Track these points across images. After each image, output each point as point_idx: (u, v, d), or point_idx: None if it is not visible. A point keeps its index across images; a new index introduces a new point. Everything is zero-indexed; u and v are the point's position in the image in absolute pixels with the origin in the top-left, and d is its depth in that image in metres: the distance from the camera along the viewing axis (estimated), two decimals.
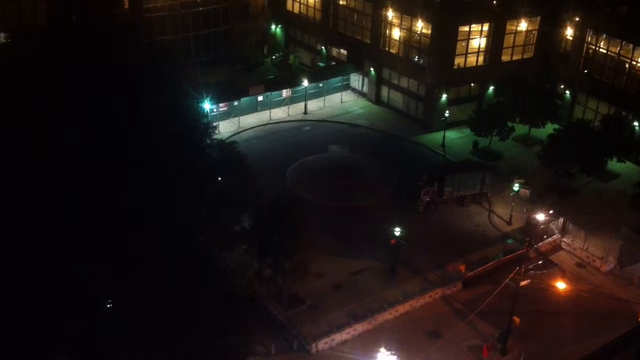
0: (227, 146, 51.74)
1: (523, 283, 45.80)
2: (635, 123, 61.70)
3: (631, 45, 64.24)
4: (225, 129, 67.53)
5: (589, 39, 68.13)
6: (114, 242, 30.86)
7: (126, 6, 73.57)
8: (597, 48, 67.63)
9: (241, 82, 73.81)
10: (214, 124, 57.24)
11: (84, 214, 30.37)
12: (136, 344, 30.11)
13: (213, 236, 37.74)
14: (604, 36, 66.82)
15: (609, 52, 66.56)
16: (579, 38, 68.97)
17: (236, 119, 70.61)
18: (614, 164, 61.09)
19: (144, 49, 39.05)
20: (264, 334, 41.53)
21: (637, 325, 43.68)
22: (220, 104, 69.44)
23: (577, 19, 69.01)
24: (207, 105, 63.15)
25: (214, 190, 41.82)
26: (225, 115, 70.11)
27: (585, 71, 68.35)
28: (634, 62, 64.27)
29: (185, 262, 31.52)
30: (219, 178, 46.58)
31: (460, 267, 50.24)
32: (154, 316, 30.33)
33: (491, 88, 70.63)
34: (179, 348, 30.60)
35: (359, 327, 44.89)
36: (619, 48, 65.53)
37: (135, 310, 30.82)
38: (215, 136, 49.92)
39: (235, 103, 70.78)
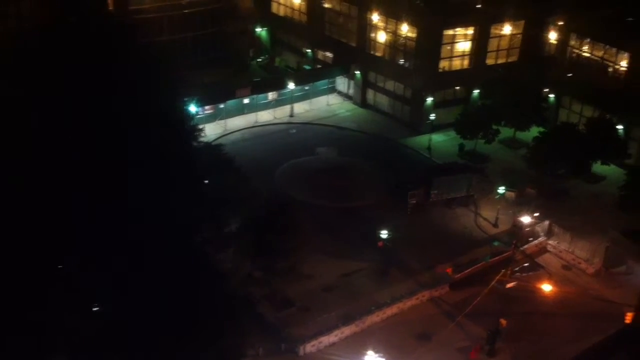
0: (214, 148, 51.68)
1: (510, 285, 46.16)
2: (619, 126, 62.28)
3: (614, 49, 64.94)
4: (211, 131, 67.23)
5: (573, 42, 68.78)
6: (111, 240, 30.63)
7: (111, 7, 72.98)
8: (581, 51, 68.29)
9: (227, 84, 73.59)
10: (200, 126, 57.18)
11: (79, 213, 30.12)
12: (134, 344, 29.92)
13: (209, 236, 37.60)
14: (588, 40, 67.48)
15: (592, 56, 67.22)
16: (563, 42, 69.63)
17: (222, 121, 70.39)
18: (598, 167, 61.68)
19: (130, 50, 38.83)
20: (253, 335, 41.36)
21: (625, 327, 44.03)
22: (206, 107, 69.17)
23: (561, 22, 69.64)
24: (192, 108, 63.00)
25: (209, 190, 41.71)
26: (211, 118, 69.87)
27: (570, 74, 68.98)
28: (617, 66, 64.97)
29: (183, 262, 31.38)
30: (206, 181, 46.43)
31: (448, 270, 50.48)
32: (151, 316, 30.17)
33: (476, 91, 71.03)
34: (177, 348, 30.46)
35: (347, 330, 44.91)
36: (602, 52, 66.23)
37: (132, 310, 30.62)
38: (201, 139, 49.82)
39: (222, 105, 70.59)
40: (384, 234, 49.80)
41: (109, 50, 33.57)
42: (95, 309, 33.14)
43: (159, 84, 35.15)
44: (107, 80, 32.24)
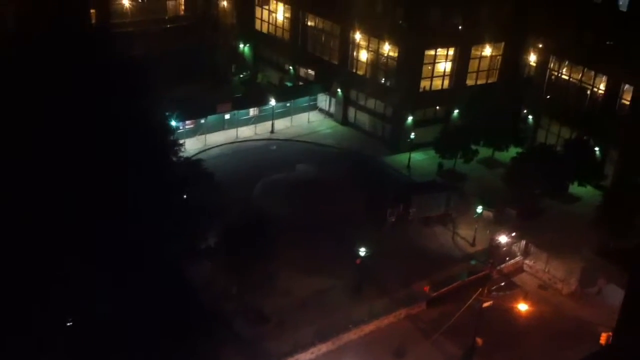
0: (194, 163, 51.59)
1: (486, 304, 46.27)
2: (596, 148, 63.01)
3: (593, 72, 65.83)
4: (191, 146, 67.16)
5: (552, 65, 69.66)
6: (78, 251, 30.38)
7: (93, 21, 72.99)
8: (559, 74, 69.16)
9: (208, 99, 73.60)
10: (180, 141, 57.09)
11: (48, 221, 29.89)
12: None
13: (183, 250, 37.43)
14: (567, 62, 68.38)
15: (571, 78, 68.10)
16: (542, 64, 70.48)
17: (202, 136, 70.30)
18: (575, 188, 62.26)
19: (110, 63, 38.80)
20: (228, 351, 41.08)
21: (601, 349, 44.08)
22: (187, 121, 69.08)
23: (540, 45, 70.54)
24: (173, 123, 62.88)
25: (186, 204, 41.58)
26: (191, 133, 69.74)
27: (548, 96, 69.81)
28: (595, 89, 65.85)
29: (155, 276, 31.19)
30: (185, 195, 46.31)
31: (425, 288, 50.57)
32: (122, 330, 29.90)
33: (456, 111, 71.60)
34: None
35: (324, 347, 44.74)
36: (581, 74, 67.11)
37: (102, 324, 30.33)
38: (181, 153, 49.72)
39: (202, 120, 70.53)
40: (362, 251, 49.81)
41: (89, 62, 33.53)
42: (68, 323, 32.87)
43: (137, 96, 35.13)
44: (85, 92, 32.17)
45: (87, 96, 31.94)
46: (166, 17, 79.31)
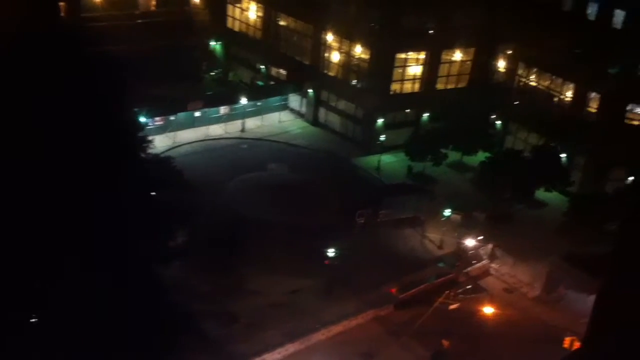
0: (163, 161, 51.08)
1: (453, 307, 46.89)
2: (563, 154, 64.07)
3: (560, 80, 66.91)
4: (160, 143, 66.37)
5: (521, 71, 70.63)
6: (42, 251, 29.90)
7: (63, 14, 71.90)
8: (528, 80, 70.17)
9: (178, 96, 73.01)
10: (149, 138, 56.49)
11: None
12: None
13: (150, 251, 37.00)
14: (535, 69, 69.40)
15: (539, 85, 69.14)
16: (511, 70, 71.44)
17: (172, 133, 69.77)
18: (542, 193, 63.23)
19: (80, 58, 38.25)
20: (196, 352, 40.86)
21: (570, 354, 44.70)
22: (156, 118, 68.46)
23: (509, 51, 71.45)
24: (142, 119, 62.27)
25: (149, 204, 41.06)
26: (160, 130, 69.05)
27: (517, 102, 70.76)
28: (563, 96, 66.95)
29: (124, 276, 30.85)
30: (153, 193, 45.81)
31: (392, 290, 50.92)
32: (89, 331, 29.53)
33: (426, 115, 72.16)
34: None
35: (292, 347, 44.75)
36: (549, 81, 68.17)
37: (70, 324, 29.91)
38: (150, 150, 49.20)
39: (172, 118, 69.97)
40: (331, 252, 49.94)
41: (56, 56, 32.98)
42: (32, 320, 32.35)
43: (104, 92, 34.66)
44: (49, 86, 31.62)
45: (51, 92, 31.41)
46: (137, 13, 78.32)
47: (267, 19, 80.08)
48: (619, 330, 35.51)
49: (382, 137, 69.09)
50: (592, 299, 48.92)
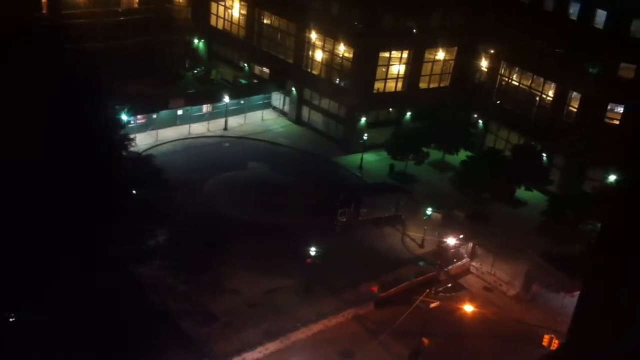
0: (144, 159, 50.88)
1: (433, 305, 47.04)
2: (544, 154, 64.42)
3: (542, 79, 67.27)
4: (142, 141, 66.16)
5: (503, 71, 70.96)
6: (18, 251, 29.70)
7: (44, 11, 71.46)
8: (510, 80, 70.50)
9: (160, 94, 72.71)
10: (131, 136, 56.22)
11: None
12: None
13: (127, 250, 36.84)
14: (517, 69, 69.73)
15: (521, 85, 69.48)
16: (493, 69, 71.73)
17: (154, 132, 69.52)
18: (522, 192, 63.58)
19: (60, 55, 37.99)
20: (174, 351, 40.75)
21: (553, 352, 45.00)
22: (138, 116, 68.17)
23: (492, 51, 71.75)
24: (124, 117, 61.96)
25: (129, 202, 40.88)
26: (142, 128, 68.84)
27: (498, 102, 71.10)
28: (544, 95, 67.32)
29: (99, 275, 30.70)
30: (134, 191, 45.62)
31: (373, 288, 51.03)
32: (65, 331, 29.38)
33: (409, 114, 72.34)
34: None
35: (271, 346, 44.78)
36: (530, 81, 68.52)
37: (45, 324, 29.75)
38: (131, 149, 48.96)
39: (154, 116, 69.71)
40: (312, 250, 49.96)
41: (34, 53, 32.77)
42: (11, 319, 32.17)
43: (82, 89, 34.46)
44: (26, 83, 31.41)
45: (29, 90, 31.20)
46: (119, 10, 77.98)
47: (251, 17, 79.93)
48: (600, 328, 35.78)
49: (365, 136, 69.20)
50: (568, 297, 49.68)
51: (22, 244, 30.20)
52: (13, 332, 31.44)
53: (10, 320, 32.23)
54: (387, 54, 70.54)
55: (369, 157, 69.62)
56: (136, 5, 79.61)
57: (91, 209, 32.87)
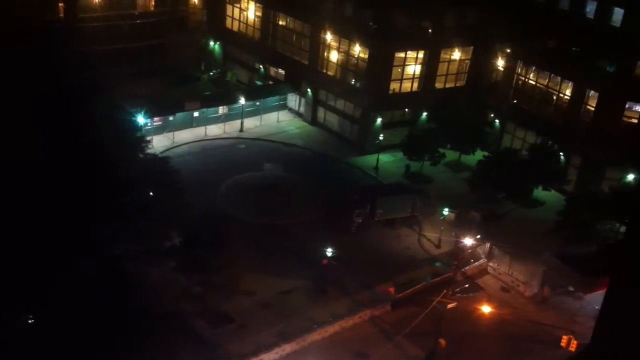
0: (160, 160, 51.18)
1: (450, 306, 46.66)
2: (561, 153, 63.86)
3: (559, 78, 66.69)
4: (159, 143, 66.77)
5: (519, 70, 70.44)
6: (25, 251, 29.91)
7: (61, 14, 72.15)
8: (526, 79, 69.96)
9: (175, 96, 73.09)
10: (148, 138, 56.64)
11: None
12: None
13: (133, 250, 37.00)
14: (533, 68, 69.19)
15: (537, 84, 68.93)
16: (510, 69, 71.22)
17: (171, 133, 69.84)
18: (539, 192, 63.03)
19: (76, 57, 38.34)
20: (188, 352, 40.87)
21: (577, 354, 44.58)
22: (155, 118, 68.58)
23: (508, 50, 71.26)
24: (140, 119, 62.44)
25: (141, 203, 41.08)
26: (159, 130, 69.23)
27: (515, 101, 70.58)
28: (561, 94, 66.73)
29: (103, 276, 30.82)
30: (150, 193, 45.90)
31: (389, 289, 50.81)
32: (73, 333, 29.51)
33: (424, 114, 72.08)
34: None
35: (287, 347, 44.74)
36: (547, 80, 67.96)
37: (47, 327, 29.89)
38: (148, 150, 49.32)
39: (171, 118, 70.04)
40: (329, 251, 49.82)
41: (47, 56, 33.13)
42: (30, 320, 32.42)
43: (94, 91, 34.76)
44: (38, 85, 31.72)
45: (46, 92, 31.49)
46: (136, 13, 78.47)
47: (266, 19, 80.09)
48: (626, 327, 35.33)
49: (380, 137, 69.00)
50: (586, 297, 49.17)
51: (35, 244, 30.46)
52: (29, 335, 31.70)
53: (30, 322, 32.53)
54: (402, 54, 70.31)
55: (385, 158, 69.41)
56: (152, 8, 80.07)
57: (105, 209, 33.11)
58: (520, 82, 70.56)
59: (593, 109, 63.82)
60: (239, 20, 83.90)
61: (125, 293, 32.20)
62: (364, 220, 57.27)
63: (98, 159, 33.14)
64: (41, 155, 30.30)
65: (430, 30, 70.71)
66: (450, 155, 67.93)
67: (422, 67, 71.74)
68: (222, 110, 73.85)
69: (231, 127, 73.65)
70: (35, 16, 48.34)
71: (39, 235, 29.93)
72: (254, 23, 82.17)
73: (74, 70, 34.72)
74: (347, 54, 72.29)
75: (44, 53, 35.00)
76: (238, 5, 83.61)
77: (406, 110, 73.55)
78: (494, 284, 54.43)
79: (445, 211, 58.76)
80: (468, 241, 54.27)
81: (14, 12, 43.58)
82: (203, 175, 61.14)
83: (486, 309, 48.93)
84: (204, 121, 72.42)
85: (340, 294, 49.74)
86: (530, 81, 69.63)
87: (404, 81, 71.54)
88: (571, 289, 51.84)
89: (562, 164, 63.75)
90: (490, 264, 55.80)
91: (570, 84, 65.99)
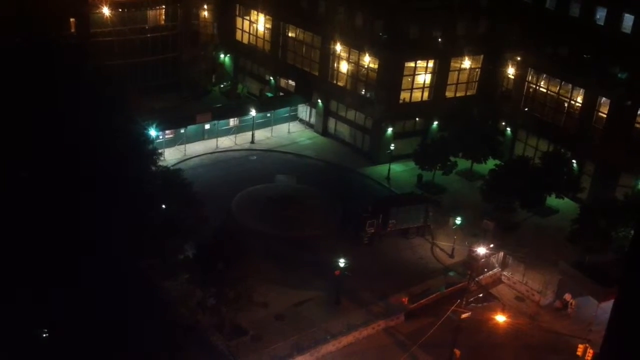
0: (172, 173, 51.37)
1: (464, 316, 46.41)
2: (574, 161, 63.56)
3: (570, 85, 66.49)
4: (170, 156, 67.04)
5: (530, 78, 70.25)
6: (52, 265, 30.07)
7: (73, 29, 72.67)
8: (537, 87, 69.78)
9: (188, 109, 73.41)
10: (159, 150, 56.86)
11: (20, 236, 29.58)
12: None
13: (155, 264, 37.11)
14: (545, 76, 69.01)
15: (549, 92, 68.73)
16: (521, 77, 71.05)
17: (182, 146, 70.10)
18: (552, 200, 62.73)
19: (89, 72, 38.57)
20: None
21: None
22: (166, 131, 68.86)
23: (519, 58, 71.14)
24: (152, 132, 62.69)
25: (157, 217, 41.23)
26: (171, 143, 69.55)
27: (526, 109, 70.39)
28: (573, 102, 66.51)
29: (125, 290, 30.91)
30: (163, 206, 46.04)
31: (403, 299, 50.64)
32: (92, 345, 29.58)
33: (435, 123, 71.99)
34: None
35: (302, 359, 44.64)
36: (558, 87, 67.77)
37: (72, 338, 30.00)
38: (160, 163, 49.47)
39: (182, 130, 70.33)
40: (342, 262, 49.76)
41: (60, 71, 33.37)
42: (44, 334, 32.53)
43: (109, 105, 34.98)
44: (53, 101, 31.95)
45: (58, 106, 31.71)
46: (147, 27, 78.96)
47: (276, 31, 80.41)
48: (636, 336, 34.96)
49: (392, 147, 68.96)
50: (601, 306, 48.75)
51: (64, 258, 30.59)
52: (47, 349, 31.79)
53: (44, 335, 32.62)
54: (412, 64, 70.36)
55: (396, 168, 69.36)
56: (162, 23, 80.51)
57: (119, 223, 33.21)
58: (531, 89, 70.37)
59: (605, 115, 63.59)
60: (249, 33, 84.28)
61: (156, 308, 32.28)
62: (377, 230, 57.17)
63: (124, 174, 33.33)
64: (73, 171, 30.52)
65: (440, 40, 70.71)
66: (462, 163, 67.75)
67: (432, 77, 71.74)
68: (233, 122, 74.09)
69: (242, 139, 73.83)
70: (51, 32, 48.64)
71: (68, 249, 30.10)
72: (264, 35, 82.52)
73: (98, 86, 34.95)
74: (357, 65, 72.41)
75: (66, 69, 35.29)
76: (248, 18, 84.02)
77: (417, 119, 73.50)
78: (508, 293, 54.13)
79: (458, 220, 58.46)
80: (481, 250, 54.11)
81: (31, 28, 44.08)
82: (215, 188, 61.26)
83: (501, 318, 48.63)
84: (215, 133, 72.69)
85: (355, 305, 49.64)
86: (541, 89, 69.46)
87: (414, 91, 71.55)
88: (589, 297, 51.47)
89: (576, 172, 63.42)
90: (505, 273, 55.51)
91: (581, 91, 65.75)
